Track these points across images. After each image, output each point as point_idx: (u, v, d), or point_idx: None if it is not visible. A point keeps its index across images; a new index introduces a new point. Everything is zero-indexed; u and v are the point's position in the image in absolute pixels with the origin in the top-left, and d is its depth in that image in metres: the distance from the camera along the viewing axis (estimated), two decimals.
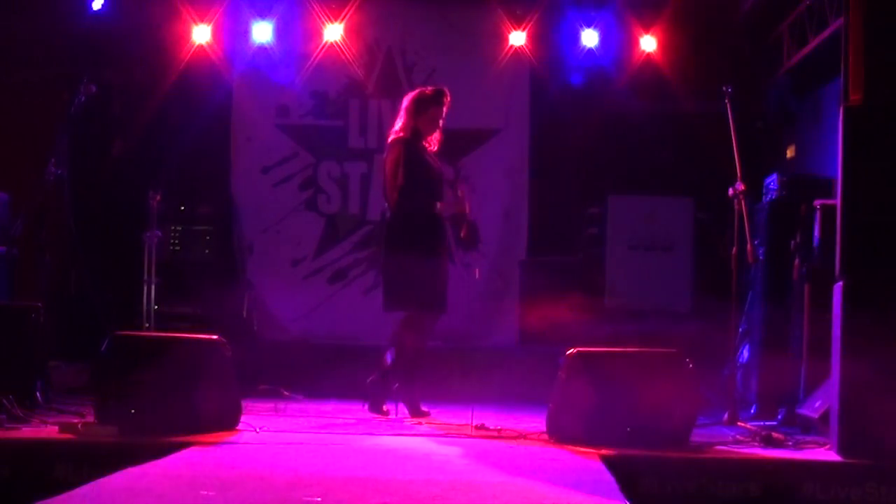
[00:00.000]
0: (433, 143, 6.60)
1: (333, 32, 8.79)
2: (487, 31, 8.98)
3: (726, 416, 6.35)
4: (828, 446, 5.31)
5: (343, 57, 8.91)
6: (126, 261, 8.27)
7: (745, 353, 7.08)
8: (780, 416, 6.33)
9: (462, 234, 6.57)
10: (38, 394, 6.15)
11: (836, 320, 5.21)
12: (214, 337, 5.74)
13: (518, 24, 8.80)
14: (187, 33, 8.73)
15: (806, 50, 8.03)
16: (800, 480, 4.94)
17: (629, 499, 3.95)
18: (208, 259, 8.68)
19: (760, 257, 6.70)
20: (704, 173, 8.35)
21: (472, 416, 6.02)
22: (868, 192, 5.19)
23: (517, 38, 8.79)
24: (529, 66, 8.99)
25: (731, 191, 6.54)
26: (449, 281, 6.54)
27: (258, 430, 5.62)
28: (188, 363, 5.57)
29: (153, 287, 7.65)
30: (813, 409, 5.91)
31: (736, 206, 6.50)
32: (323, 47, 8.85)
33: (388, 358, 6.42)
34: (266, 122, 9.12)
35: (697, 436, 5.62)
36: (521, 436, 5.70)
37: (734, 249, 6.53)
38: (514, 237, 9.06)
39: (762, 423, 6.12)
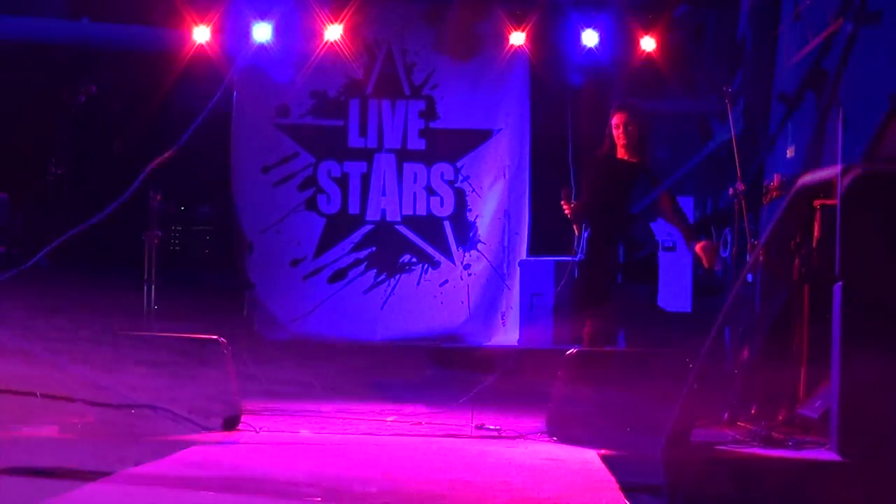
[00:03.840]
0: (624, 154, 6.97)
1: (333, 32, 8.78)
2: (487, 31, 8.98)
3: (726, 416, 6.35)
4: (828, 446, 5.31)
5: (343, 57, 8.89)
6: (126, 261, 8.26)
7: (745, 353, 7.07)
8: (780, 416, 6.32)
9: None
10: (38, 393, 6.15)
11: (835, 320, 5.20)
12: (214, 337, 5.75)
13: (518, 24, 8.78)
14: (187, 33, 8.72)
15: (806, 49, 8.01)
16: (800, 480, 4.93)
17: (629, 499, 3.94)
18: (208, 259, 8.70)
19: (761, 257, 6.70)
20: (704, 173, 8.34)
21: (472, 416, 6.02)
22: (868, 192, 5.18)
23: (517, 38, 8.78)
24: (529, 66, 8.98)
25: (731, 191, 6.54)
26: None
27: (258, 430, 5.62)
28: (188, 363, 5.57)
29: (153, 287, 7.65)
30: (813, 409, 5.90)
31: (736, 206, 6.50)
32: (323, 47, 8.84)
33: None
34: (266, 122, 9.12)
35: (697, 436, 5.61)
36: (521, 436, 5.70)
37: (734, 249, 6.53)
38: (514, 237, 9.05)
39: (762, 423, 6.11)
